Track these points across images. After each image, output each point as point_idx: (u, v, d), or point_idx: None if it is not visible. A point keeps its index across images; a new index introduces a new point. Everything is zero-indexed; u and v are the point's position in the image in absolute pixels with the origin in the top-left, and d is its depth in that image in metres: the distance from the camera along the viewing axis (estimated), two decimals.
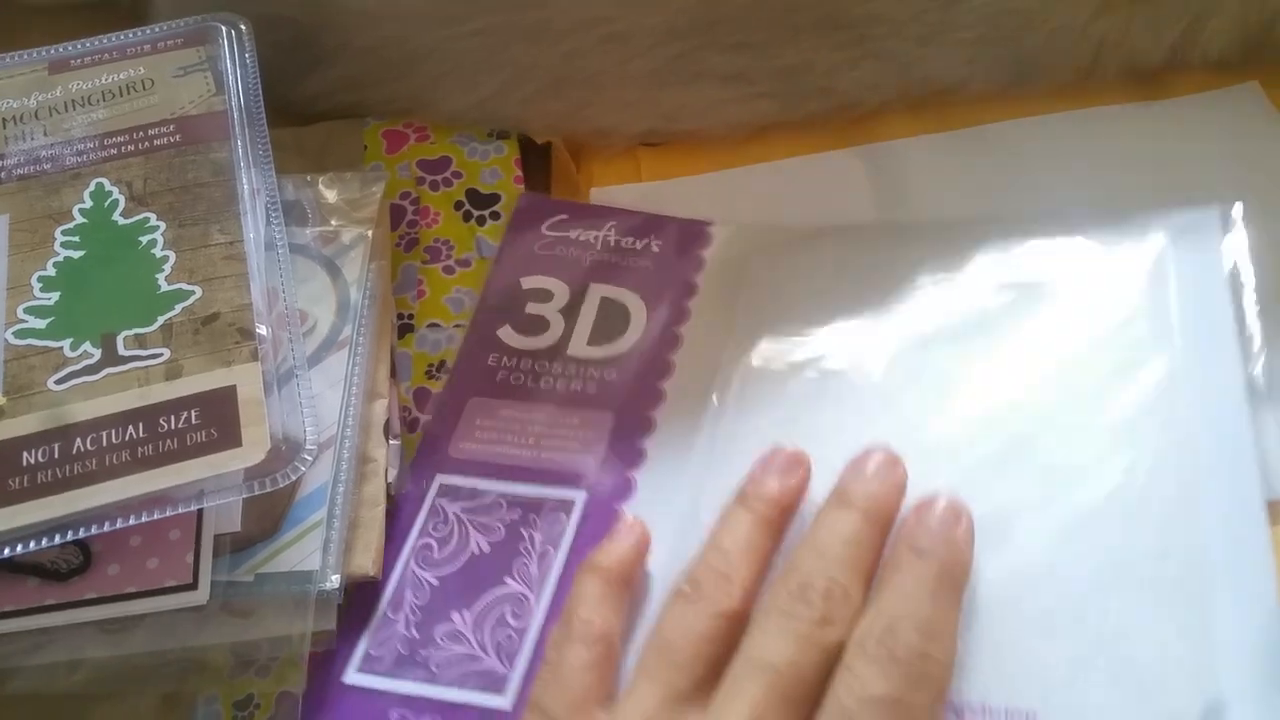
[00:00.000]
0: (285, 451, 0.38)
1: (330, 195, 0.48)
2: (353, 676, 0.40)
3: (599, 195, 0.53)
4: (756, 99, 0.53)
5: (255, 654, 0.40)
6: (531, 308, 0.49)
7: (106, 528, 0.37)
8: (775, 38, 0.51)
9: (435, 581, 0.41)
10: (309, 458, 0.38)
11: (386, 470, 0.43)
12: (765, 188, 0.52)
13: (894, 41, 0.51)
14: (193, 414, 0.38)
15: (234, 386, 0.39)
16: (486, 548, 0.42)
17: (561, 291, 0.49)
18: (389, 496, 0.43)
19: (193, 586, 0.38)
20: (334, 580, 0.39)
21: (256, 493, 0.37)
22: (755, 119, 0.53)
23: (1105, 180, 0.50)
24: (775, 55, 0.51)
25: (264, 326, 0.41)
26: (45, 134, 0.46)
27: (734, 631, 0.34)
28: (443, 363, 0.47)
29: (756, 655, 0.32)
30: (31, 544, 0.36)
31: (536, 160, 0.55)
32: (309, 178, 0.48)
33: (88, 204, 0.44)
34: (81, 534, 0.37)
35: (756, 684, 0.32)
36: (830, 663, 0.32)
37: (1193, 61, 0.52)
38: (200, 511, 0.39)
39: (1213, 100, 0.53)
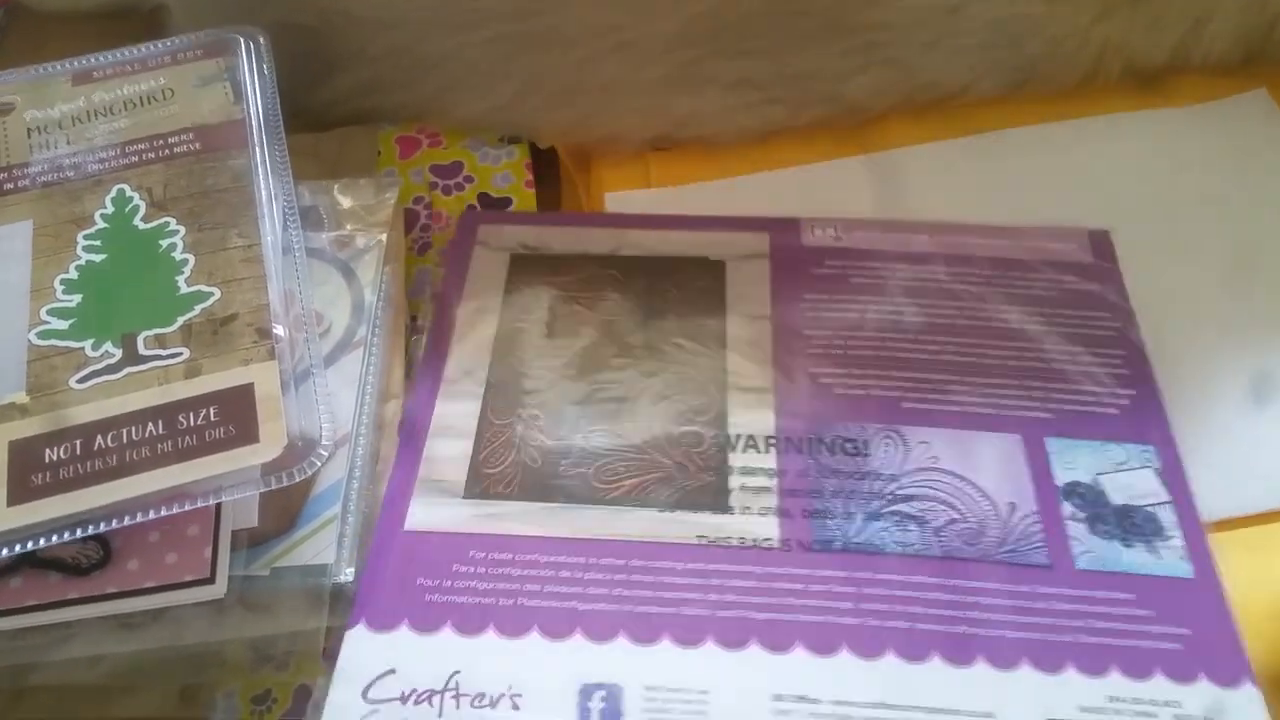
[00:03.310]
0: (301, 448, 0.39)
1: (345, 200, 0.49)
2: None
3: (613, 201, 0.54)
4: (764, 105, 0.53)
5: (273, 648, 0.40)
6: None
7: (127, 522, 0.38)
8: (783, 45, 0.52)
9: None
10: (324, 453, 0.39)
11: None
12: (774, 193, 0.53)
13: (899, 48, 0.51)
14: (211, 411, 0.39)
15: (251, 384, 0.40)
16: None
17: None
18: None
19: (210, 581, 0.39)
20: (348, 574, 0.40)
21: (273, 487, 0.38)
22: (762, 124, 0.54)
23: (1113, 189, 0.51)
24: (783, 62, 0.52)
25: (281, 327, 0.41)
26: (69, 143, 0.47)
27: None
28: None
29: None
30: (54, 538, 0.37)
31: (547, 164, 0.56)
32: (324, 183, 0.49)
33: (109, 209, 0.45)
34: (102, 528, 0.37)
35: None
36: None
37: (1194, 64, 0.53)
38: (218, 507, 0.40)
39: (1221, 108, 0.54)
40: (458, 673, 0.38)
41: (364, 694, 0.38)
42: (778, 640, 0.39)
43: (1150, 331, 0.47)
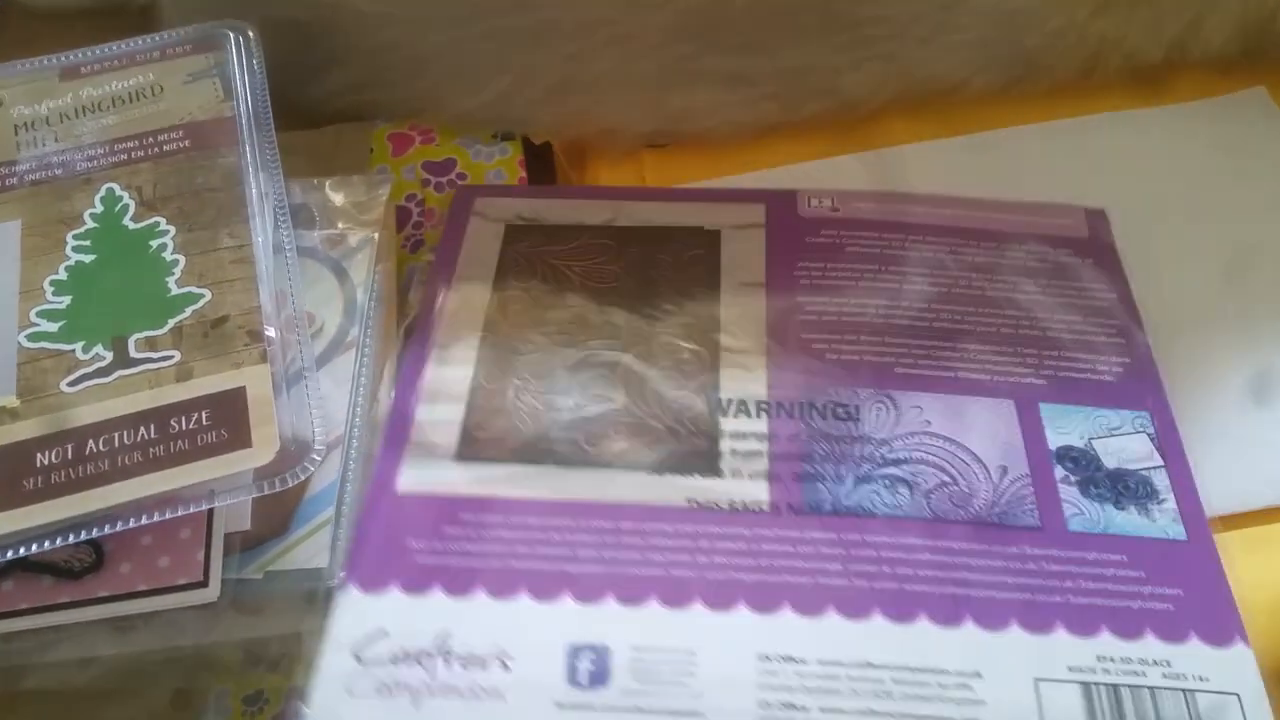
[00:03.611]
0: (294, 452, 0.38)
1: (337, 198, 0.49)
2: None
3: None
4: (760, 100, 0.53)
5: (265, 650, 0.40)
6: None
7: (119, 527, 0.37)
8: (778, 39, 0.51)
9: None
10: (318, 458, 0.38)
11: None
12: None
13: (895, 43, 0.51)
14: (203, 415, 0.39)
15: (243, 388, 0.39)
16: None
17: None
18: None
19: (204, 584, 0.38)
20: (341, 577, 0.39)
21: (266, 492, 0.38)
22: (758, 120, 0.54)
23: (1110, 187, 0.51)
24: (778, 57, 0.52)
25: (272, 329, 0.41)
26: (56, 140, 0.46)
27: None
28: None
29: None
30: (45, 544, 0.37)
31: (540, 161, 0.55)
32: (316, 181, 0.49)
33: (99, 209, 0.44)
34: (95, 534, 0.37)
35: None
36: None
37: (1193, 58, 0.53)
38: (211, 510, 0.39)
39: (1219, 106, 0.53)
40: (448, 634, 0.38)
41: (356, 655, 0.38)
42: (765, 601, 0.39)
43: (1147, 329, 0.46)
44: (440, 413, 0.44)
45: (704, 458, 0.42)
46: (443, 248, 0.49)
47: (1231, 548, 0.41)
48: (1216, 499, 0.42)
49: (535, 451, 0.43)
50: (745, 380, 0.44)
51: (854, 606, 0.38)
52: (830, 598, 0.39)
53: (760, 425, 0.43)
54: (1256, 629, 0.39)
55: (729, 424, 0.43)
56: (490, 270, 0.48)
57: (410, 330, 0.47)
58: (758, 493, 0.41)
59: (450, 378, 0.45)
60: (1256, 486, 0.43)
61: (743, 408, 0.44)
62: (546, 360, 0.45)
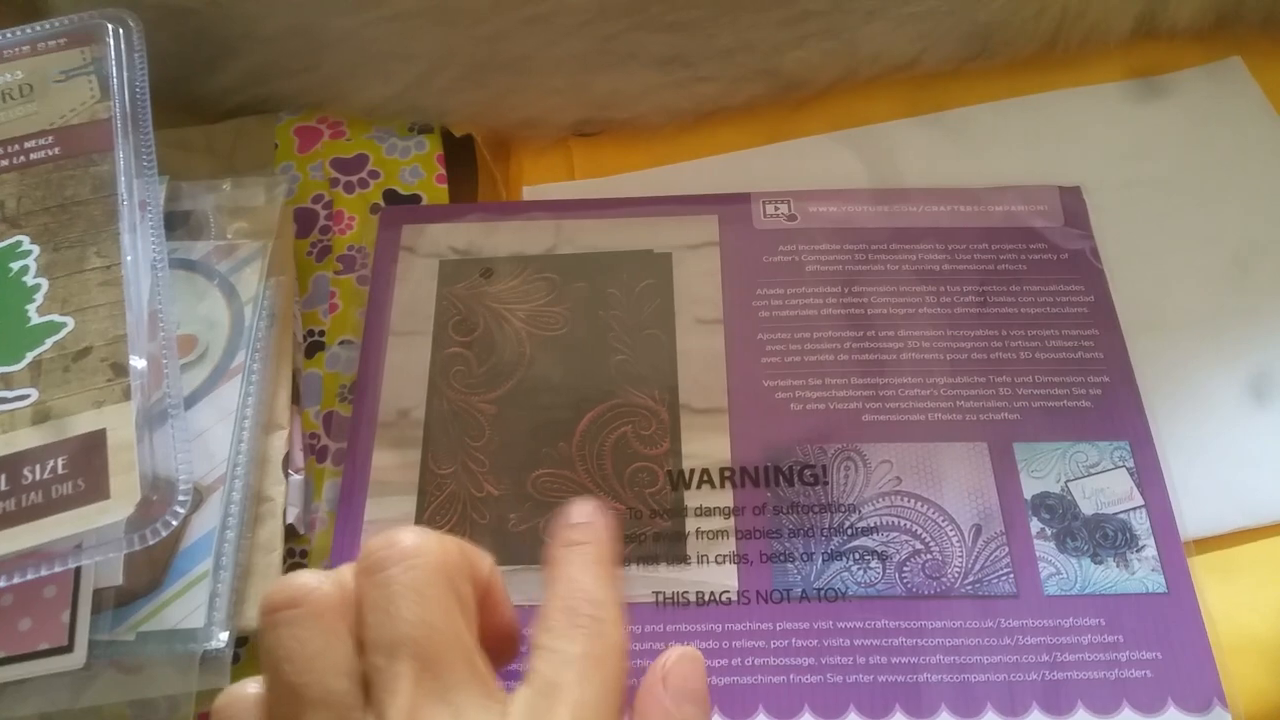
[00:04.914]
0: (157, 502, 0.34)
1: (229, 203, 0.44)
2: None
3: (532, 194, 0.49)
4: (695, 83, 0.49)
5: (153, 713, 0.37)
6: None
7: None
8: (712, 16, 0.47)
9: None
10: (181, 510, 0.34)
11: (285, 510, 0.39)
12: (709, 182, 0.48)
13: (838, 17, 0.47)
14: (59, 462, 0.35)
15: (104, 430, 0.36)
16: None
17: None
18: (298, 535, 0.40)
19: (68, 649, 0.35)
20: (221, 638, 0.36)
21: (129, 549, 0.34)
22: (695, 105, 0.49)
23: (1077, 170, 0.47)
24: (713, 35, 0.47)
25: (140, 359, 0.37)
26: None
27: None
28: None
29: None
30: None
31: (461, 157, 0.51)
32: (207, 184, 0.45)
33: None
34: None
35: None
36: None
37: (1163, 30, 0.49)
38: (78, 566, 0.36)
39: (1194, 78, 0.50)
40: None
41: None
42: (740, 707, 0.37)
43: (1126, 332, 0.43)
44: (390, 507, 0.41)
45: (669, 541, 0.40)
46: (374, 293, 0.45)
47: (1211, 578, 0.39)
48: (1199, 522, 0.40)
49: (494, 549, 0.39)
50: (707, 442, 0.41)
51: (829, 706, 0.37)
52: (805, 697, 0.37)
53: (725, 498, 0.40)
54: (1230, 672, 0.37)
55: (693, 498, 0.40)
56: (428, 322, 0.45)
57: (354, 401, 0.43)
58: (725, 579, 0.39)
59: (397, 464, 0.42)
60: (1243, 505, 0.40)
61: (706, 477, 0.41)
62: (496, 436, 0.42)
